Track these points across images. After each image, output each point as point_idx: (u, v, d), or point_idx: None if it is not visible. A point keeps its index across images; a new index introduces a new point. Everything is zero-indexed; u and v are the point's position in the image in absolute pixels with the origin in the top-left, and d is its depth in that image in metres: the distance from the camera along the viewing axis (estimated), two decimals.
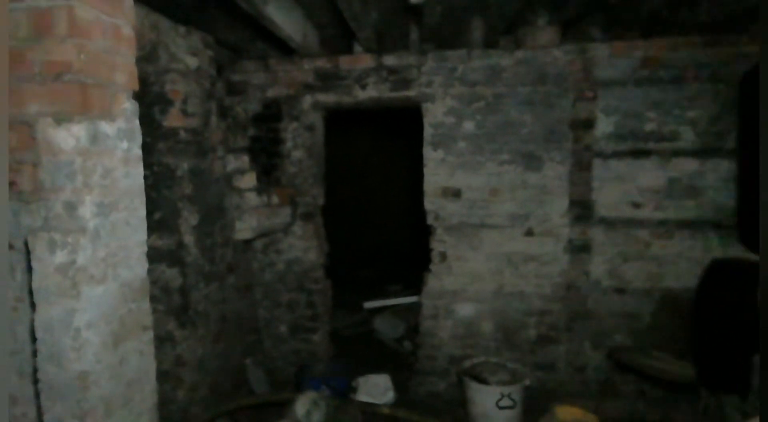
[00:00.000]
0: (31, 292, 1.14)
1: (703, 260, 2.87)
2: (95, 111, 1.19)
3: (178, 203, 2.47)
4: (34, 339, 1.16)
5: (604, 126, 2.93)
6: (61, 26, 1.10)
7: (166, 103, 2.42)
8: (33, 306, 1.15)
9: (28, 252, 1.15)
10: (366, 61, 3.13)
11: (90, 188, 1.18)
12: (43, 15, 1.10)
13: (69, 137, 1.14)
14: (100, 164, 1.21)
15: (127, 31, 1.31)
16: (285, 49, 3.03)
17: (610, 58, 2.88)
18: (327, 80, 3.19)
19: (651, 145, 2.90)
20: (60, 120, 1.13)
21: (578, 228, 3.00)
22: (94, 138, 1.19)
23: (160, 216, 2.45)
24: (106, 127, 1.23)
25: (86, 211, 1.17)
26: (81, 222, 1.16)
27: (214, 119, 2.78)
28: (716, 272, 2.51)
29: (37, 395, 1.18)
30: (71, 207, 1.15)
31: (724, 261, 2.54)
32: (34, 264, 1.13)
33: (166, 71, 2.40)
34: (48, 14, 1.10)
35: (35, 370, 1.17)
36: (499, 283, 3.10)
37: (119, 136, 1.29)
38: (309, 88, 3.21)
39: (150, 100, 2.40)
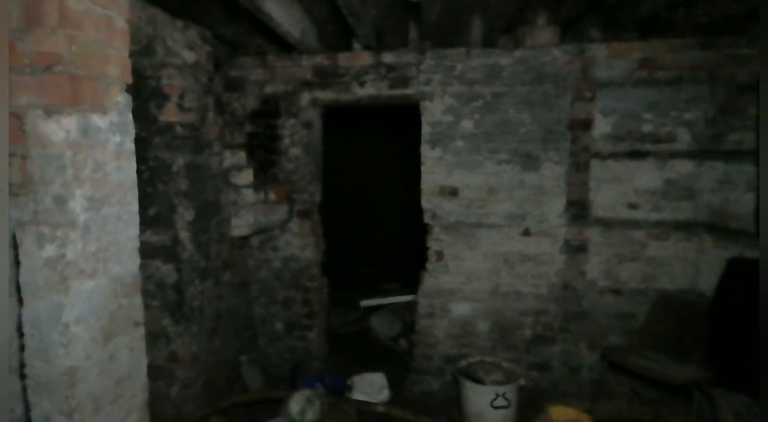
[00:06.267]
0: (18, 287, 1.13)
1: (697, 262, 2.88)
2: (86, 103, 1.17)
3: (173, 198, 2.45)
4: (21, 334, 1.15)
5: (602, 126, 2.93)
6: (52, 17, 1.09)
7: (162, 97, 2.41)
8: (20, 300, 1.13)
9: (16, 246, 1.13)
10: (365, 58, 3.12)
11: (80, 182, 1.16)
12: (34, 5, 1.08)
13: (59, 130, 1.12)
14: (91, 157, 1.20)
15: (121, 24, 1.30)
16: (283, 45, 3.01)
17: (609, 58, 2.87)
18: (325, 77, 3.17)
19: (648, 147, 2.90)
20: (50, 112, 1.11)
21: (575, 228, 2.99)
22: (85, 131, 1.18)
23: (155, 211, 2.43)
24: (98, 120, 1.22)
25: (76, 204, 1.15)
26: (71, 216, 1.14)
27: (211, 114, 2.77)
28: (735, 271, 2.48)
29: (25, 390, 1.17)
30: (61, 200, 1.13)
31: (743, 261, 2.51)
32: (21, 258, 1.12)
33: (163, 65, 2.38)
34: (39, 4, 1.08)
35: (22, 365, 1.16)
36: (496, 283, 3.10)
37: (111, 130, 1.27)
38: (307, 84, 3.20)
39: (146, 95, 2.39)
